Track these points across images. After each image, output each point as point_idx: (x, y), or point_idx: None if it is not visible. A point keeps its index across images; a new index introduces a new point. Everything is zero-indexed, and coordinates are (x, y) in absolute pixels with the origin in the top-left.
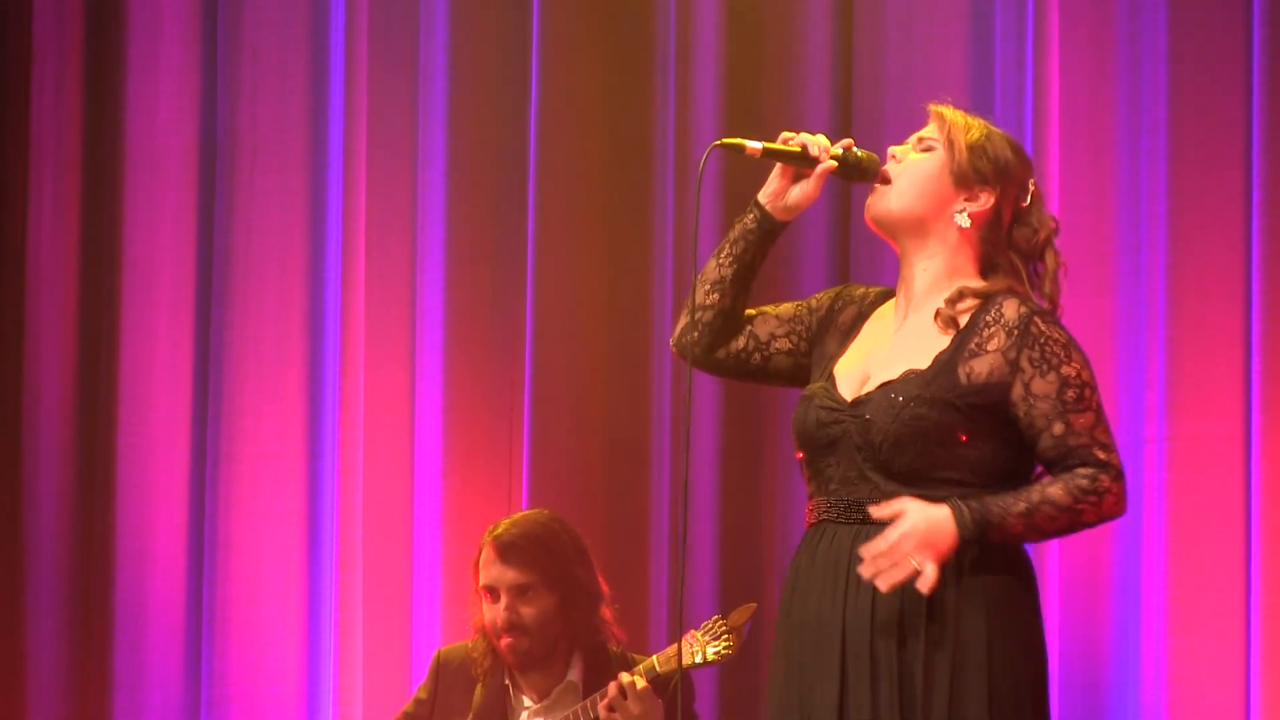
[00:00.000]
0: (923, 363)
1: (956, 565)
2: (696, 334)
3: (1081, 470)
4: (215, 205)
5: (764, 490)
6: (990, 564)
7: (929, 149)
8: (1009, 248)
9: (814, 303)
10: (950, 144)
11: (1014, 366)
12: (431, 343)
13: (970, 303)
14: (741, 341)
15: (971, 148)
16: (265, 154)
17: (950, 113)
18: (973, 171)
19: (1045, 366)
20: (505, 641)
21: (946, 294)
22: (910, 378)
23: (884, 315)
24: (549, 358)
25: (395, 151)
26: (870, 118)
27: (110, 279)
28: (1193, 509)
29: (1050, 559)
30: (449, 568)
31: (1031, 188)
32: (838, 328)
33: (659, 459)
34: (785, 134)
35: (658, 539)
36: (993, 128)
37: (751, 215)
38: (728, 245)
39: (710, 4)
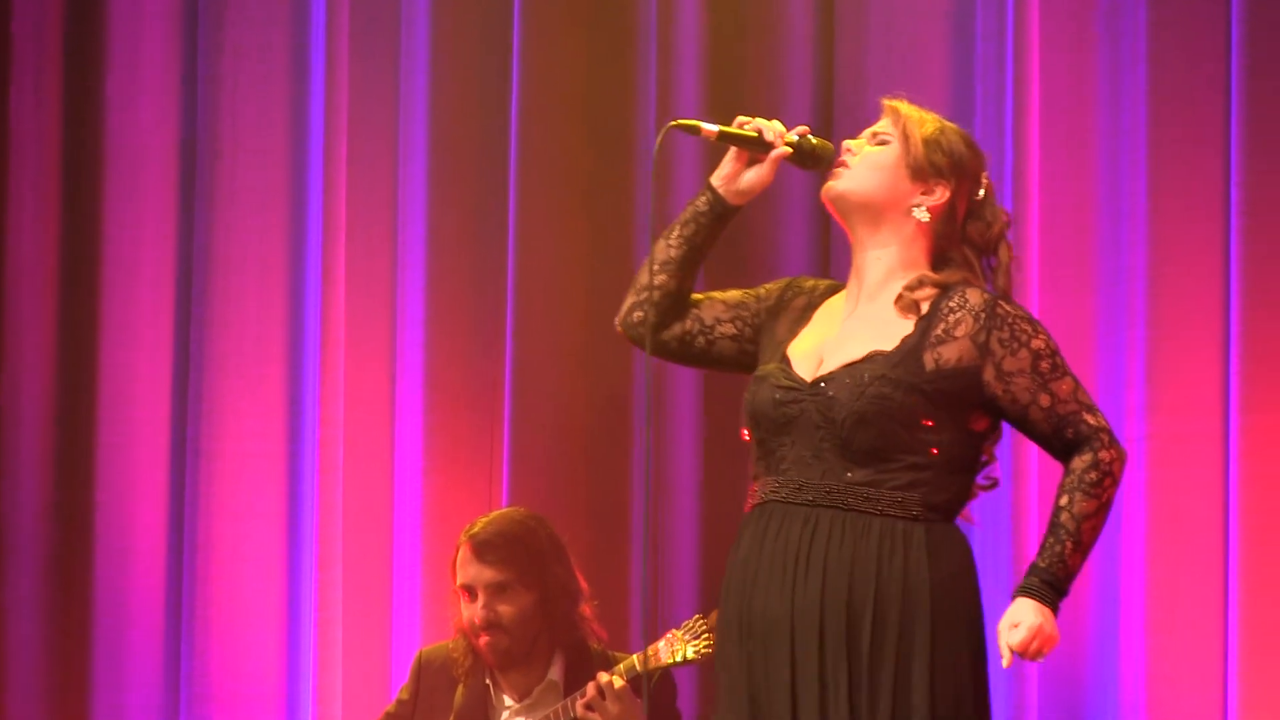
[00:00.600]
0: (888, 345)
1: (904, 555)
2: (642, 314)
3: (1079, 459)
4: (196, 203)
5: (745, 488)
6: (934, 551)
7: (883, 142)
8: (962, 241)
9: (763, 292)
10: (905, 138)
11: (984, 350)
12: (412, 340)
13: (929, 290)
14: (687, 324)
15: (927, 141)
16: (246, 151)
17: (904, 107)
18: (928, 165)
19: (1015, 344)
20: (484, 640)
21: (904, 282)
22: (876, 358)
23: (835, 304)
24: (530, 355)
25: (376, 148)
26: (852, 116)
27: (90, 276)
28: (1172, 508)
29: (1031, 554)
30: (429, 567)
31: (984, 181)
32: (788, 315)
33: (640, 456)
34: (741, 118)
35: (638, 536)
36: (945, 122)
37: (704, 198)
38: (678, 226)
39: (692, 2)
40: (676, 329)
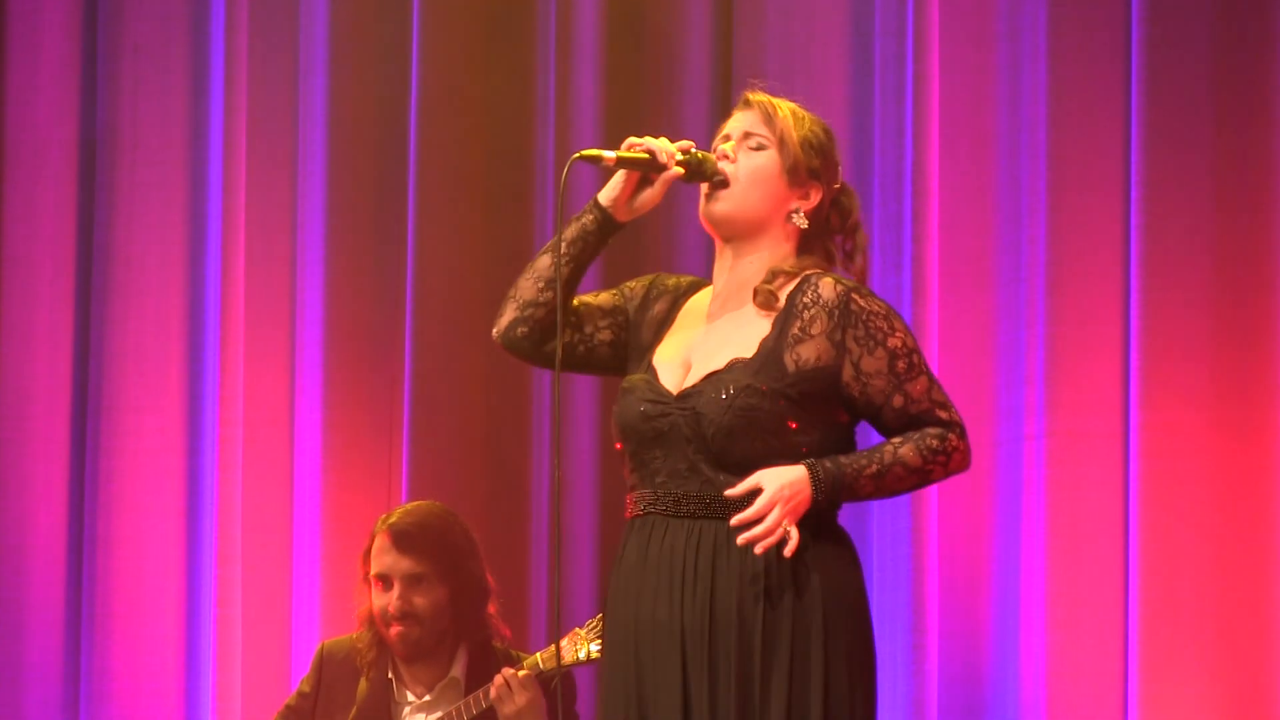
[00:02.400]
0: (747, 350)
1: (792, 560)
2: (526, 329)
3: (931, 430)
4: (95, 200)
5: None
6: (820, 553)
7: (760, 147)
8: (825, 231)
9: (628, 291)
10: (782, 143)
11: (840, 348)
12: (311, 339)
13: (782, 281)
14: (567, 335)
15: (804, 145)
16: (146, 149)
17: (778, 106)
18: (806, 170)
19: (871, 343)
20: (396, 630)
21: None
22: (737, 366)
23: (698, 304)
24: (429, 355)
25: (275, 147)
26: None
27: None
28: (1072, 505)
29: (930, 553)
30: (328, 565)
31: (839, 167)
32: (652, 318)
33: (539, 456)
34: (630, 139)
35: (538, 536)
36: (805, 112)
37: (591, 216)
38: (564, 244)
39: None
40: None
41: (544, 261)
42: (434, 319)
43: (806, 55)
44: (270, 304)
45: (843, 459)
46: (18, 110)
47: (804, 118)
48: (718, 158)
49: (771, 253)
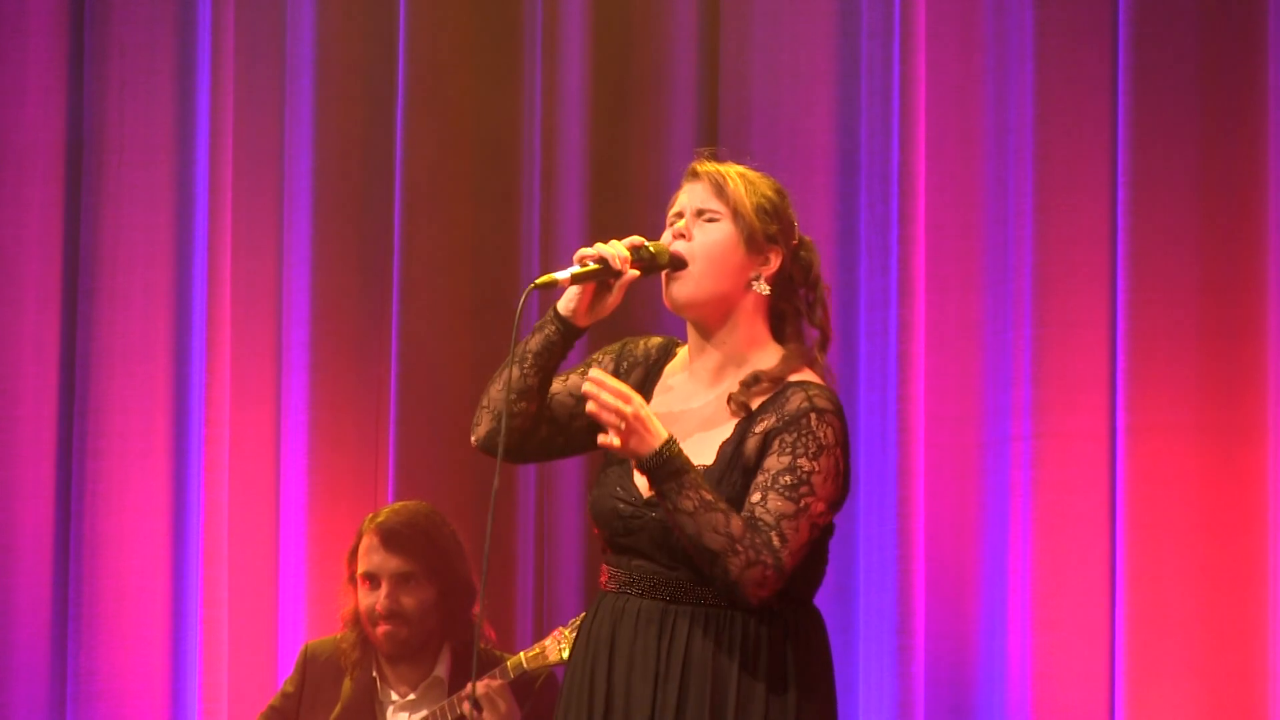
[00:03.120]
0: (709, 456)
1: (769, 651)
2: (506, 438)
3: (771, 539)
4: (82, 201)
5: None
6: (797, 644)
7: (713, 220)
8: (790, 290)
9: (596, 369)
10: (737, 215)
11: (767, 444)
12: (298, 340)
13: (765, 386)
14: (544, 430)
15: (758, 212)
16: (132, 150)
17: (728, 176)
18: (763, 237)
19: (788, 452)
20: (383, 630)
21: (742, 373)
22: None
23: (675, 380)
24: (415, 355)
25: (262, 148)
26: (736, 114)
27: None
28: (1058, 506)
29: (917, 554)
30: (314, 565)
31: (795, 222)
32: None
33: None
34: (582, 252)
35: (524, 539)
36: (752, 172)
37: (554, 328)
38: (530, 356)
39: (577, 1)
40: (535, 438)
41: (514, 374)
42: (420, 319)
43: (793, 56)
44: (256, 304)
45: (695, 470)
46: (4, 111)
47: (755, 181)
48: (673, 237)
49: (741, 330)
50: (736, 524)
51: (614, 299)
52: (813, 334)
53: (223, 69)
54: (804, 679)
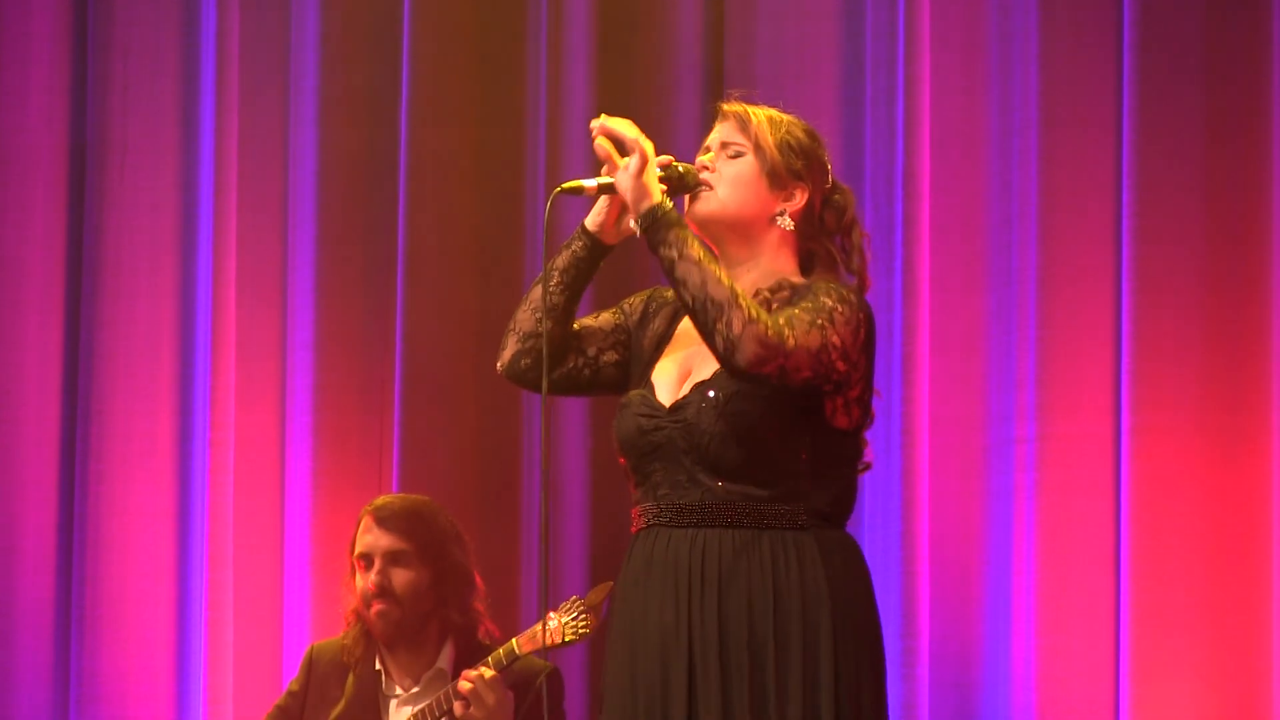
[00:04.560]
0: None
1: (799, 567)
2: (530, 361)
3: (777, 320)
4: (86, 203)
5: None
6: (828, 561)
7: (739, 154)
8: (822, 234)
9: (628, 307)
10: (759, 148)
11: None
12: (302, 341)
13: (786, 294)
14: (571, 360)
15: (780, 147)
16: (136, 152)
17: (752, 113)
18: (786, 172)
19: (807, 298)
20: (375, 609)
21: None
22: (722, 373)
23: None
24: (419, 355)
25: (266, 150)
26: None
27: None
28: (1063, 509)
29: (921, 557)
30: (319, 566)
31: (829, 166)
32: (652, 333)
33: (530, 454)
34: (601, 123)
35: (528, 533)
36: (784, 115)
37: (581, 243)
38: (557, 273)
39: (582, 4)
40: (562, 367)
41: (537, 293)
42: (425, 321)
43: (798, 58)
44: (260, 306)
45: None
46: (7, 114)
47: (781, 121)
48: (699, 169)
49: (768, 262)
50: (736, 290)
51: None
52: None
53: (227, 71)
54: (840, 597)
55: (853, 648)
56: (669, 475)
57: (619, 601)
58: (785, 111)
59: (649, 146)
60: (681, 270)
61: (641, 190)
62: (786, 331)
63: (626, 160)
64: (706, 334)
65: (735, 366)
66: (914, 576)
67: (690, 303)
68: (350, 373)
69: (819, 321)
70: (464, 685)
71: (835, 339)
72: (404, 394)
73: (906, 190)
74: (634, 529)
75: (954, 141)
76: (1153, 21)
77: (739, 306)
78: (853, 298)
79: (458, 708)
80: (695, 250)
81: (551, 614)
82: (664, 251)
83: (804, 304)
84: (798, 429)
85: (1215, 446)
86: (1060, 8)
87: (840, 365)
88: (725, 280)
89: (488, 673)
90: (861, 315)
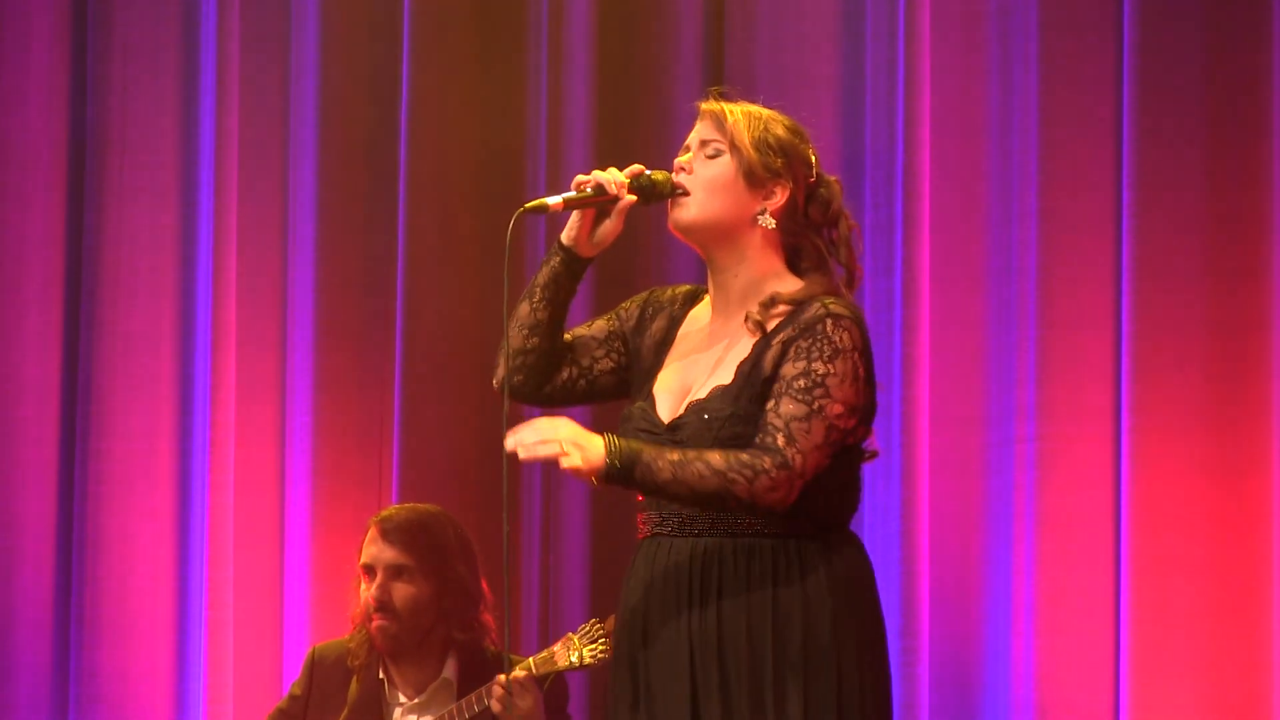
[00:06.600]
0: (728, 376)
1: (800, 574)
2: (522, 377)
3: (754, 448)
4: (85, 202)
5: (634, 496)
6: (831, 566)
7: (717, 153)
8: (808, 229)
9: (624, 313)
10: (735, 147)
11: (784, 352)
12: (302, 339)
13: (782, 309)
14: (565, 372)
15: (757, 145)
16: (135, 151)
17: (728, 112)
18: (764, 170)
19: (803, 358)
20: (376, 623)
21: (759, 299)
22: (717, 394)
23: (698, 321)
24: (420, 357)
25: (266, 149)
26: None
27: None
28: (1063, 508)
29: (921, 556)
30: (319, 567)
31: (814, 160)
32: (651, 339)
33: (531, 465)
34: (578, 178)
35: (529, 543)
36: (764, 111)
37: (558, 258)
38: (539, 289)
39: (582, 2)
40: (557, 380)
41: (523, 309)
42: (425, 318)
43: (798, 58)
44: (261, 304)
45: (649, 444)
46: (8, 112)
47: (760, 117)
48: (675, 171)
49: (755, 263)
50: (716, 459)
51: (614, 226)
52: (839, 272)
53: (227, 70)
54: (841, 597)
55: (855, 655)
56: None
57: (623, 609)
58: (771, 108)
59: (566, 430)
60: (671, 492)
61: (589, 462)
62: (789, 453)
63: (564, 456)
64: (727, 510)
65: (767, 514)
66: (914, 576)
67: (696, 504)
68: (350, 371)
69: (815, 405)
70: (496, 691)
71: (836, 408)
72: (404, 393)
73: (906, 190)
74: (639, 536)
75: (954, 141)
76: (1152, 18)
77: (733, 479)
78: (843, 332)
79: (495, 705)
80: (665, 467)
81: (571, 635)
82: (644, 489)
83: (795, 384)
84: None
85: (1216, 446)
86: (1060, 7)
87: (849, 424)
88: (708, 468)
89: (520, 673)
90: (857, 355)
